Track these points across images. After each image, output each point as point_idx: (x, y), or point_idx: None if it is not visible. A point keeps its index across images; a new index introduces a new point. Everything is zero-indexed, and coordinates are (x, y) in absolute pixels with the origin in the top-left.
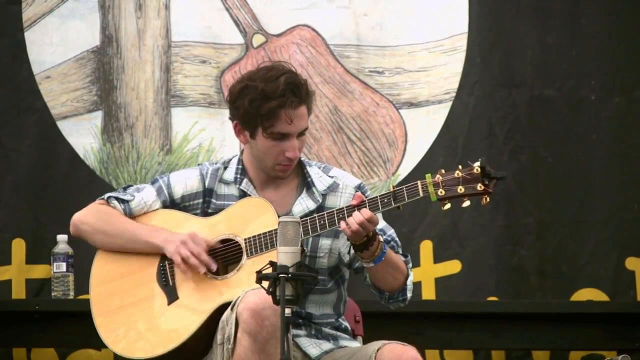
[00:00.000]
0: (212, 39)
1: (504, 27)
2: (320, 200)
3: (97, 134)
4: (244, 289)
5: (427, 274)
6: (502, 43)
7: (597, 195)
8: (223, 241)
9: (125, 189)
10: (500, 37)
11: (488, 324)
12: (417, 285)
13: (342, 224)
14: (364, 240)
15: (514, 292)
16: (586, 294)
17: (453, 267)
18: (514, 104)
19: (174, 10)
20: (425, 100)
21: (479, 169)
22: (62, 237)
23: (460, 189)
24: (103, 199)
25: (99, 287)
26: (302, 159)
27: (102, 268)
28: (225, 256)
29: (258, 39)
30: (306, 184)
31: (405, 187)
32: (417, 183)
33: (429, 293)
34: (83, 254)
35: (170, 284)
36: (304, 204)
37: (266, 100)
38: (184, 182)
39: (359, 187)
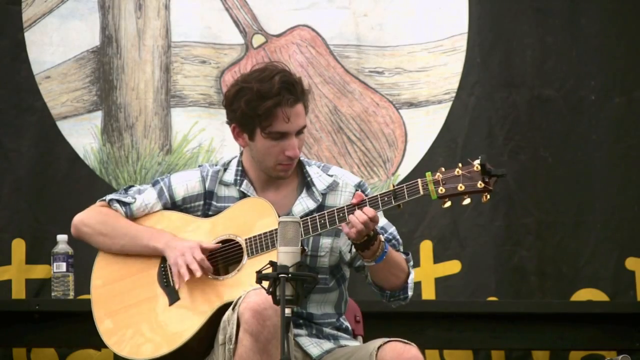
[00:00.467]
0: (212, 39)
1: (504, 27)
2: (321, 200)
3: (97, 134)
4: (245, 289)
5: (427, 274)
6: (502, 43)
7: (597, 195)
8: (224, 241)
9: (126, 190)
10: (500, 38)
11: (488, 324)
12: (417, 285)
13: (345, 227)
14: (365, 240)
15: (513, 292)
16: (586, 294)
17: (453, 267)
18: (514, 104)
19: (174, 10)
20: (425, 101)
21: (479, 167)
22: (62, 237)
23: (461, 187)
24: (104, 200)
25: (100, 288)
26: (301, 158)
27: (103, 269)
28: (226, 256)
29: (258, 39)
30: (306, 184)
31: (406, 185)
32: (417, 181)
33: (428, 293)
34: (83, 254)
35: (171, 284)
36: (304, 203)
37: (262, 100)
38: (185, 184)
39: (358, 186)
